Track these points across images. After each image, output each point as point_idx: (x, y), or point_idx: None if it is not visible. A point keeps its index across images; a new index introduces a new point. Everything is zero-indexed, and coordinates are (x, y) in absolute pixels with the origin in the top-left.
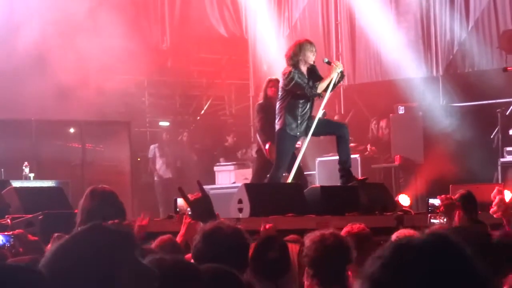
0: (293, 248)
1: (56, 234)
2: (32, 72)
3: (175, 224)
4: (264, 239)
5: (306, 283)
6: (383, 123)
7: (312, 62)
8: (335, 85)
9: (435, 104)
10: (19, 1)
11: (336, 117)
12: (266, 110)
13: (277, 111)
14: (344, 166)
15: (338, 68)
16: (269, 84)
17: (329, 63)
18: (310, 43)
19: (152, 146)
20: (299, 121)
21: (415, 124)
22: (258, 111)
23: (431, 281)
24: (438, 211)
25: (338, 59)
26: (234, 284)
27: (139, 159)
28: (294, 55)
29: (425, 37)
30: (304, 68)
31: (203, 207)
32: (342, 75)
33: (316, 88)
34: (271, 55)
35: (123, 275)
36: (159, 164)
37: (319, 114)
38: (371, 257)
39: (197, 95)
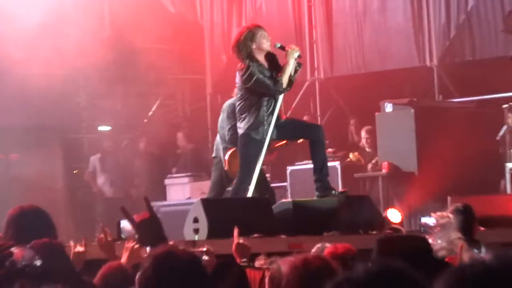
0: (255, 275)
1: None
2: None
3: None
4: (217, 267)
5: None
6: (363, 131)
7: (268, 49)
8: (292, 76)
9: (429, 100)
10: None
11: (305, 117)
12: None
13: (238, 113)
14: (320, 175)
15: (294, 52)
16: None
17: (282, 48)
18: (260, 27)
19: (92, 158)
20: (265, 123)
21: (406, 125)
22: (232, 112)
23: None
24: (431, 231)
25: (312, 48)
26: None
27: (75, 172)
28: (245, 45)
29: (416, 20)
30: (260, 58)
31: (151, 229)
32: (299, 64)
33: (281, 82)
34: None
35: None
36: (102, 179)
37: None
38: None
39: (144, 93)
